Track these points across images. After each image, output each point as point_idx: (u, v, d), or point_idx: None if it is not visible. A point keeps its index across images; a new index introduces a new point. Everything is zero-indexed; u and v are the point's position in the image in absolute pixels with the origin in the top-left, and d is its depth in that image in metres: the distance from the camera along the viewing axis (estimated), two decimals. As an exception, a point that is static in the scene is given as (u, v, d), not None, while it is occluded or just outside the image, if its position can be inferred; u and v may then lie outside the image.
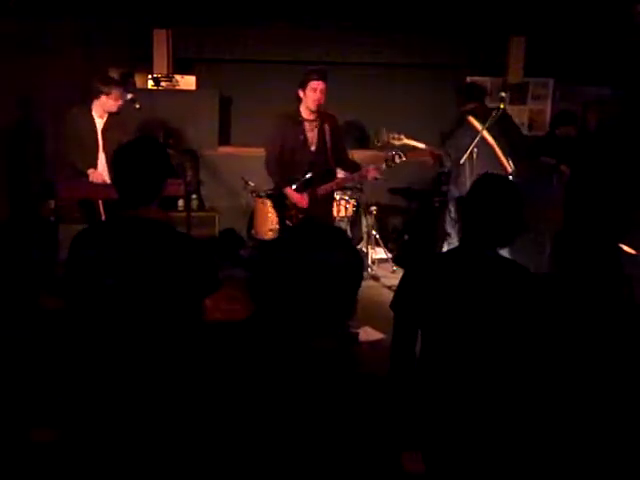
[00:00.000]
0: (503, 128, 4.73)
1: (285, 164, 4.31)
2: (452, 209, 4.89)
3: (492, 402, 1.98)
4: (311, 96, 4.12)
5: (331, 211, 4.74)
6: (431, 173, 6.33)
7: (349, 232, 6.11)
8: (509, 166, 4.72)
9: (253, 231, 5.96)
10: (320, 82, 4.10)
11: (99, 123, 4.82)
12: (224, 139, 6.81)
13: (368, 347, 3.78)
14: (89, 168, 4.69)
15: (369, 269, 5.75)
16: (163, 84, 6.44)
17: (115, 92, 4.70)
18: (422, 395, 2.04)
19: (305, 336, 1.36)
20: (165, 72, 6.27)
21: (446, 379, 2.01)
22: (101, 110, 4.76)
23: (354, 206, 5.95)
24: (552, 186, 5.21)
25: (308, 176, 4.25)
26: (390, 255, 6.14)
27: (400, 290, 2.12)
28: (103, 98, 4.69)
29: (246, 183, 5.98)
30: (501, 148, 4.71)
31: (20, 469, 2.26)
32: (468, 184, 3.79)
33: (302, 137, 4.25)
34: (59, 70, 5.61)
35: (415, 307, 2.06)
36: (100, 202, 4.60)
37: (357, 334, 3.84)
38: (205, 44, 6.60)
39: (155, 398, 2.06)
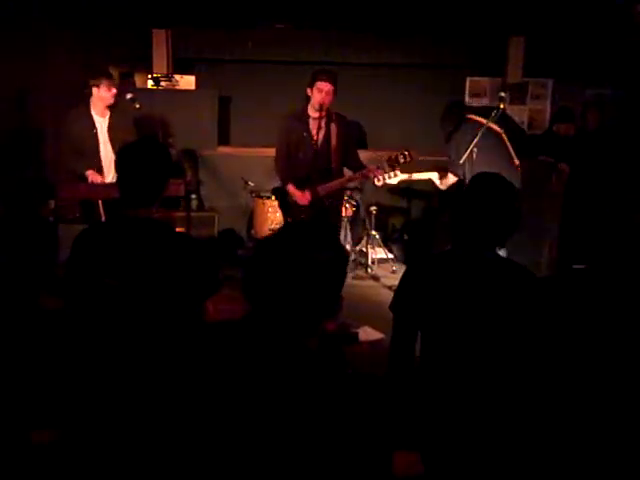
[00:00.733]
0: (506, 125, 4.73)
1: (290, 161, 4.33)
2: None
3: (492, 403, 1.98)
4: (316, 96, 4.15)
5: (339, 211, 4.73)
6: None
7: (349, 232, 6.11)
8: (516, 158, 4.68)
9: (253, 231, 5.97)
10: (326, 83, 4.12)
11: (100, 122, 4.81)
12: (223, 139, 6.82)
13: (368, 347, 3.77)
14: (88, 170, 4.70)
15: (369, 269, 5.75)
16: (163, 84, 6.44)
17: (104, 83, 4.69)
18: (421, 396, 2.04)
19: (291, 335, 1.36)
20: (165, 72, 6.28)
21: (446, 380, 2.01)
22: (100, 106, 4.75)
23: (354, 206, 5.95)
24: (551, 185, 5.21)
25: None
26: (390, 255, 6.14)
27: (399, 291, 2.12)
28: (95, 90, 4.69)
29: (245, 183, 5.98)
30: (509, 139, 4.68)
31: (20, 470, 2.26)
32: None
33: (306, 134, 4.26)
34: (59, 70, 5.61)
35: (414, 308, 2.06)
36: (100, 202, 4.60)
37: (357, 334, 3.84)
38: (205, 44, 6.61)
39: (155, 398, 2.06)
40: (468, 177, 4.45)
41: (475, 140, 4.44)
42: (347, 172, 4.56)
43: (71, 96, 5.11)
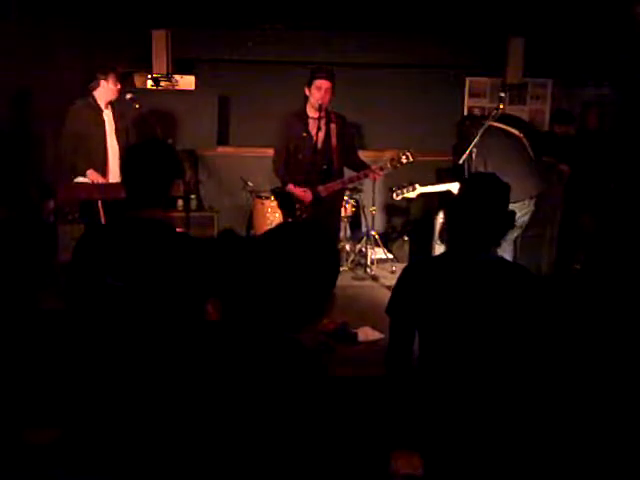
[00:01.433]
0: (526, 129, 4.71)
1: (289, 162, 4.33)
2: None
3: (490, 403, 1.98)
4: (315, 94, 4.14)
5: (339, 211, 4.72)
6: (431, 173, 6.34)
7: (349, 232, 6.11)
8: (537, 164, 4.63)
9: (252, 231, 5.97)
10: (324, 81, 4.11)
11: (107, 113, 4.85)
12: (223, 139, 6.81)
13: (367, 347, 3.77)
14: (90, 167, 4.70)
15: (369, 269, 5.75)
16: (162, 84, 6.44)
17: (112, 76, 4.77)
18: (420, 397, 2.04)
19: (274, 333, 1.35)
20: (165, 72, 6.27)
21: (445, 380, 2.01)
22: (104, 98, 4.80)
23: (354, 206, 5.95)
24: (552, 185, 5.21)
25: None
26: (390, 255, 6.14)
27: (395, 294, 2.12)
28: (103, 83, 4.74)
29: (245, 183, 5.98)
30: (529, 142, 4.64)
31: (19, 470, 2.26)
32: None
33: (305, 134, 4.26)
34: (59, 70, 5.60)
35: (411, 311, 2.05)
36: (100, 203, 4.60)
37: (356, 334, 3.84)
38: (205, 44, 6.60)
39: (155, 399, 2.06)
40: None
41: (475, 141, 4.44)
42: (347, 172, 4.56)
43: (71, 96, 5.11)
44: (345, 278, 5.67)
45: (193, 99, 6.42)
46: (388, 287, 5.34)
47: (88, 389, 2.16)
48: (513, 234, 4.50)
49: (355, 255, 6.03)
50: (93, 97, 4.81)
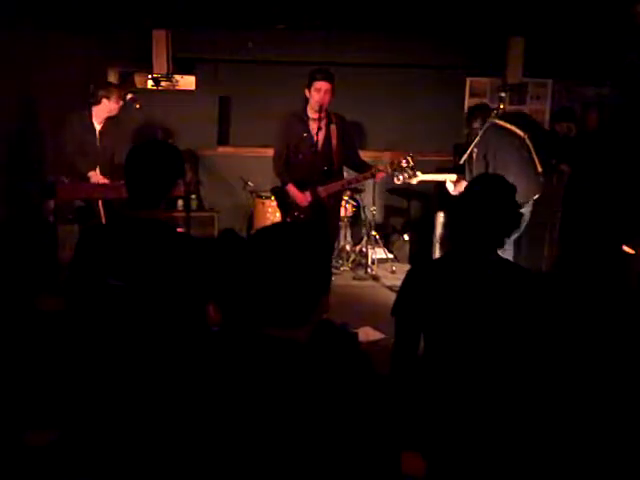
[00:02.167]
0: (532, 130, 4.69)
1: (289, 162, 4.32)
2: None
3: (496, 404, 1.98)
4: (315, 96, 4.14)
5: (338, 211, 4.72)
6: (431, 173, 6.34)
7: (349, 232, 6.11)
8: (540, 165, 4.60)
9: (252, 231, 5.97)
10: (324, 82, 4.11)
11: (97, 129, 4.89)
12: (223, 139, 6.82)
13: (367, 347, 3.78)
14: (90, 171, 4.75)
15: (369, 269, 5.76)
16: (163, 84, 6.44)
17: (115, 94, 4.78)
18: (425, 398, 2.03)
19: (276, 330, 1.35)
20: (165, 72, 6.27)
21: (450, 382, 2.01)
22: (102, 115, 4.83)
23: (354, 206, 5.95)
24: (552, 185, 5.20)
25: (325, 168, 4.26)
26: (390, 255, 6.14)
27: (401, 296, 2.11)
28: (104, 102, 4.76)
29: (245, 183, 5.98)
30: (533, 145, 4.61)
31: (17, 471, 2.26)
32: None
33: (306, 135, 4.25)
34: (59, 70, 5.60)
35: (416, 312, 2.05)
36: (100, 202, 4.61)
37: (357, 334, 3.84)
38: (205, 44, 6.60)
39: (155, 399, 2.06)
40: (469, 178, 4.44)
41: (475, 140, 4.44)
42: (347, 172, 4.55)
43: (71, 97, 5.11)
44: (346, 278, 5.67)
45: (193, 99, 6.43)
46: (389, 287, 5.34)
47: (88, 390, 2.15)
48: (514, 235, 4.49)
49: (355, 255, 6.03)
50: (90, 113, 4.83)
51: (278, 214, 4.95)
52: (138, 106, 4.90)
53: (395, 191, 6.45)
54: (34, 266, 4.48)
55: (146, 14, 6.11)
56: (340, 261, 5.95)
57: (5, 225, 4.86)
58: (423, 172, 4.76)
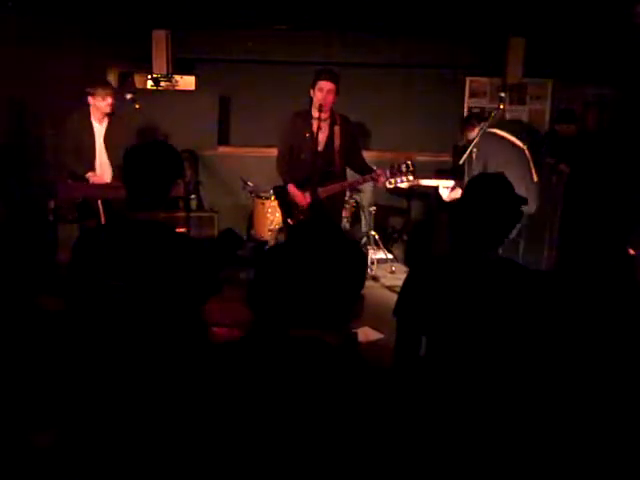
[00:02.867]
0: (530, 139, 4.68)
1: (292, 161, 4.33)
2: None
3: (498, 405, 1.98)
4: (318, 96, 4.14)
5: (339, 212, 4.72)
6: (431, 173, 6.34)
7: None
8: (536, 175, 4.58)
9: (252, 231, 5.97)
10: (327, 82, 4.11)
11: (98, 129, 4.84)
12: (223, 139, 6.82)
13: (367, 347, 3.77)
14: (87, 172, 4.73)
15: (369, 269, 5.76)
16: (163, 84, 6.44)
17: (99, 92, 4.70)
18: (427, 398, 2.03)
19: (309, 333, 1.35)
20: (165, 72, 6.27)
21: (452, 382, 2.01)
22: (98, 114, 4.79)
23: (354, 206, 5.95)
24: (552, 185, 5.20)
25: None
26: (390, 255, 6.14)
27: (402, 296, 2.11)
28: (90, 100, 4.72)
29: (245, 183, 5.98)
30: (531, 155, 4.61)
31: (20, 472, 2.26)
32: None
33: (308, 134, 4.26)
34: (59, 70, 5.60)
35: (418, 313, 2.05)
36: (100, 202, 4.60)
37: (356, 334, 3.83)
38: (205, 44, 6.61)
39: (155, 400, 2.06)
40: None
41: (473, 142, 4.44)
42: (350, 173, 4.55)
43: (71, 97, 5.11)
44: (345, 278, 5.66)
45: (193, 99, 6.43)
46: (388, 287, 5.34)
47: (87, 390, 2.16)
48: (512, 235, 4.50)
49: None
50: (88, 111, 4.81)
51: (278, 214, 4.95)
52: (137, 106, 4.89)
53: (395, 191, 6.45)
54: (34, 266, 4.48)
55: (146, 14, 6.11)
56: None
57: (5, 225, 4.86)
58: (422, 174, 4.75)
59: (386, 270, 5.86)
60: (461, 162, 4.52)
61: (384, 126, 6.72)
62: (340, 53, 6.48)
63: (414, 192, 6.45)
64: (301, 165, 4.31)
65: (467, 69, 6.80)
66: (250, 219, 6.09)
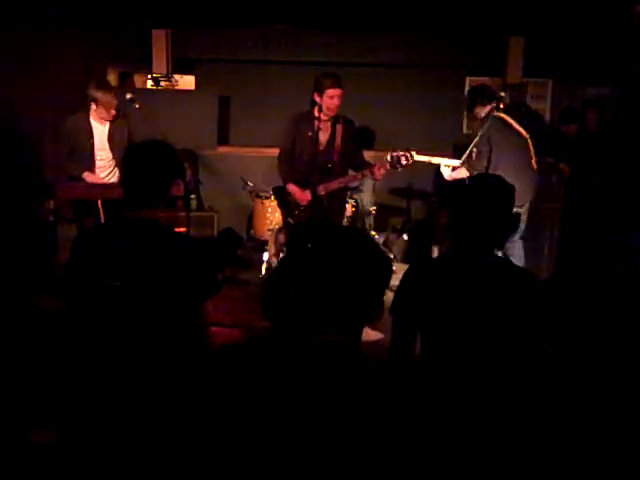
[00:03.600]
0: (533, 128, 4.69)
1: (293, 161, 4.34)
2: None
3: (493, 404, 1.98)
4: (328, 103, 4.15)
5: (341, 212, 4.71)
6: (431, 173, 6.34)
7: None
8: (535, 162, 4.58)
9: (252, 231, 5.97)
10: (337, 89, 4.14)
11: (100, 129, 4.77)
12: (223, 139, 6.81)
13: (367, 347, 3.77)
14: (84, 172, 4.69)
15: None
16: (162, 84, 6.44)
17: (103, 102, 4.61)
18: (421, 397, 2.03)
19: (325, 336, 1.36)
20: (165, 72, 6.27)
21: (447, 381, 2.01)
22: (99, 117, 4.74)
23: (354, 206, 5.94)
24: (551, 185, 5.20)
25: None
26: (390, 255, 6.13)
27: (399, 294, 2.11)
28: (92, 107, 4.65)
29: (245, 183, 5.97)
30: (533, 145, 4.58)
31: (20, 470, 2.26)
32: None
33: (311, 134, 4.27)
34: (59, 70, 5.61)
35: (414, 311, 2.05)
36: (99, 202, 4.59)
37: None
38: (205, 44, 6.60)
39: (155, 399, 2.06)
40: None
41: (475, 140, 4.43)
42: (351, 173, 4.55)
43: (71, 97, 5.11)
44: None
45: (193, 99, 6.42)
46: (389, 287, 5.33)
47: (87, 389, 2.15)
48: (515, 236, 4.50)
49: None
50: (87, 113, 4.70)
51: (278, 214, 4.95)
52: (137, 106, 4.88)
53: (395, 191, 6.45)
54: (34, 266, 4.48)
55: (146, 14, 6.11)
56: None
57: (4, 225, 4.86)
58: (422, 174, 4.74)
59: (386, 270, 5.85)
60: (461, 161, 4.51)
61: (384, 126, 6.71)
62: (340, 53, 6.48)
63: (414, 192, 6.45)
64: (303, 165, 4.32)
65: (467, 69, 6.79)
66: (250, 219, 6.09)
